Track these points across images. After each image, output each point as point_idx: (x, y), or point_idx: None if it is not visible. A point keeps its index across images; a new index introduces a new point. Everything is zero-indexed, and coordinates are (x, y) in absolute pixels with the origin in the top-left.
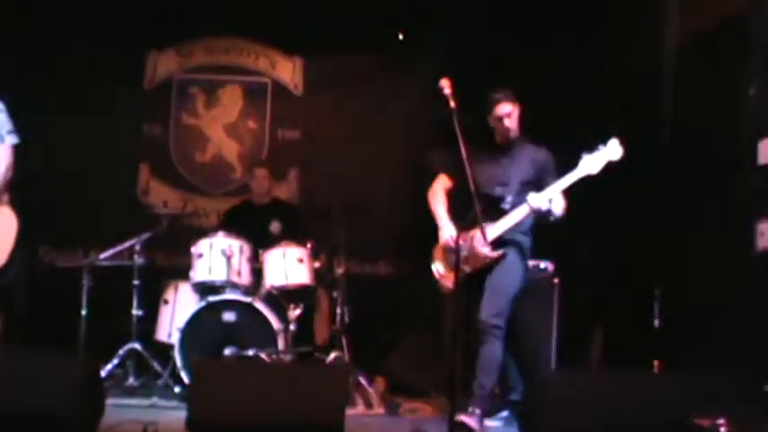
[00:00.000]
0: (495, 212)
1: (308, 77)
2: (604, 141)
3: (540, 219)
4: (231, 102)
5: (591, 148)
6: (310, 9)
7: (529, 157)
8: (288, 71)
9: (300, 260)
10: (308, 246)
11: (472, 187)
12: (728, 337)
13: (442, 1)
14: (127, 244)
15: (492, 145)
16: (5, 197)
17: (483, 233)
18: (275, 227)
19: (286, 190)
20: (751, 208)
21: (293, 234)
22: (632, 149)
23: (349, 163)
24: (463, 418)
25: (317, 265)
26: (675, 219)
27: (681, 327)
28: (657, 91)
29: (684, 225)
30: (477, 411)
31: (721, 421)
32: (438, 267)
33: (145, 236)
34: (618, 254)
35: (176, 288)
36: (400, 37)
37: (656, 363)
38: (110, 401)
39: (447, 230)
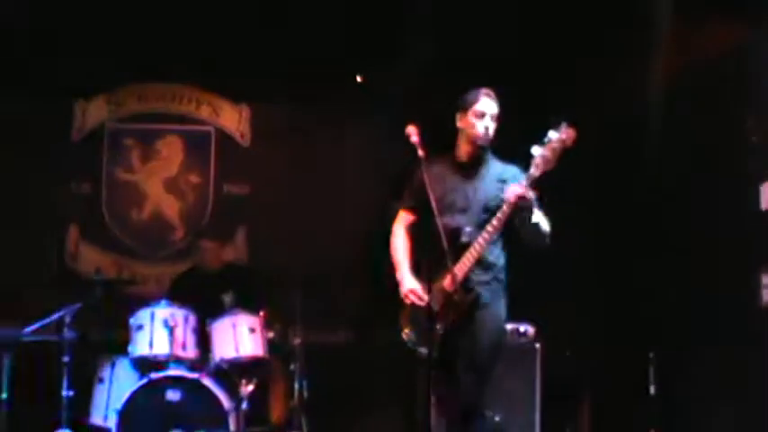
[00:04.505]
0: (453, 249)
1: (257, 126)
2: (554, 128)
3: (527, 234)
4: (171, 154)
5: (540, 140)
6: (257, 51)
7: (495, 177)
8: (234, 119)
9: (252, 330)
10: (261, 314)
11: (444, 244)
12: (733, 404)
13: (401, 43)
14: (54, 316)
15: (452, 164)
16: None
17: (452, 276)
18: (229, 299)
19: (233, 252)
20: (754, 258)
21: (249, 302)
22: (619, 194)
23: (303, 220)
24: None
25: (270, 335)
26: (670, 272)
27: (680, 393)
28: (643, 131)
29: (680, 278)
30: None
31: None
32: (408, 333)
33: (75, 306)
34: (606, 313)
35: (113, 364)
36: (358, 79)
37: None
38: None
39: (406, 284)
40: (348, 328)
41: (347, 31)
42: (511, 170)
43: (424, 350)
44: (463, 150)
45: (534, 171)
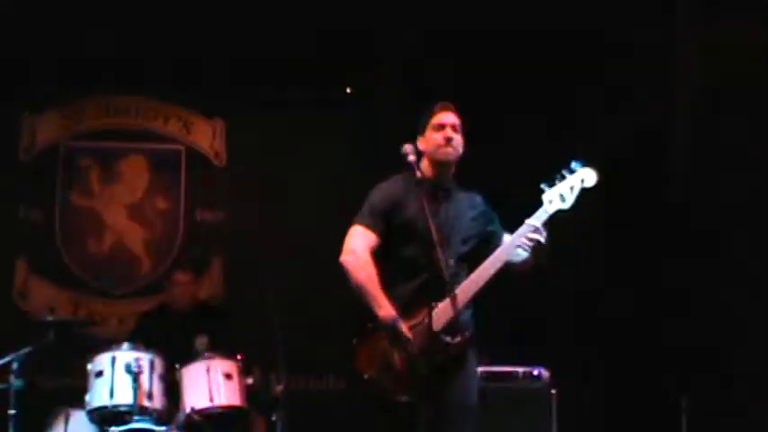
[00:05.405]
0: (434, 284)
1: (232, 143)
2: (569, 169)
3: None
4: (135, 176)
5: (550, 181)
6: (234, 60)
7: (466, 206)
8: (206, 136)
9: (228, 376)
10: (238, 357)
11: (445, 275)
12: None
13: (392, 54)
14: None
15: (416, 189)
16: None
17: (440, 314)
18: (202, 343)
19: (207, 286)
20: None
21: (224, 344)
22: (639, 226)
23: (285, 250)
24: None
25: (249, 381)
26: (700, 308)
27: None
28: (668, 147)
29: (711, 315)
30: None
31: None
32: (375, 376)
33: (23, 351)
34: (631, 354)
35: (67, 417)
36: (347, 91)
37: None
38: None
39: (395, 318)
40: (336, 372)
41: (333, 37)
42: (476, 198)
43: (398, 396)
44: (428, 173)
45: (548, 208)
